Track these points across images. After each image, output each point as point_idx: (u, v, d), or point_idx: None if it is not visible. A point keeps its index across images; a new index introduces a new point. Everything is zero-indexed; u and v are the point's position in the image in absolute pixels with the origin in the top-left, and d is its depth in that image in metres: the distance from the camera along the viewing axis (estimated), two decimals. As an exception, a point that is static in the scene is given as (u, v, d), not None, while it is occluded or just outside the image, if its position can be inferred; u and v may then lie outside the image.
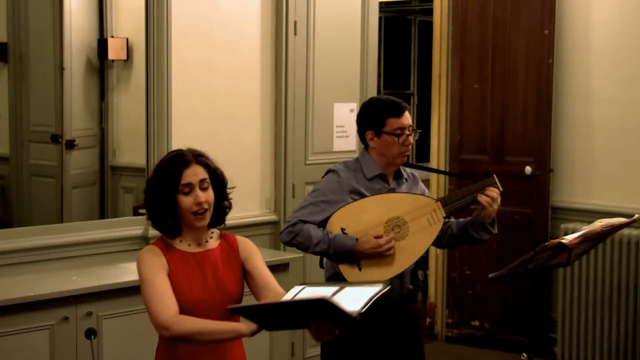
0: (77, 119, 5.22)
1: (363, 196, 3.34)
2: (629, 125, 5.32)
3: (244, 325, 2.59)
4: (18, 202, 5.09)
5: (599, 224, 3.45)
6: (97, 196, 5.26)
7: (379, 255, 3.26)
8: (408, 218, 3.31)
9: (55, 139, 5.08)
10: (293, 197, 5.06)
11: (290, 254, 4.60)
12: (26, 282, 3.72)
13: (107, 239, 4.33)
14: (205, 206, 2.69)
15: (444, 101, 5.97)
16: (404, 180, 3.48)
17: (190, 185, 2.68)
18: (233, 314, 2.70)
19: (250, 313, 2.52)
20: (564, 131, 5.57)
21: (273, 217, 5.02)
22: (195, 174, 2.69)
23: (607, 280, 5.16)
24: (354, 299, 2.52)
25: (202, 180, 2.70)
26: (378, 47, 5.53)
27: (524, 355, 3.47)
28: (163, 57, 4.46)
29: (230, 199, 2.83)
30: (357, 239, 3.26)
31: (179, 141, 4.54)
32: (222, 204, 2.79)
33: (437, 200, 3.36)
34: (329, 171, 3.43)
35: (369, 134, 3.39)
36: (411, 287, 3.54)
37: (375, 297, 2.55)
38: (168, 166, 2.70)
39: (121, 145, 5.27)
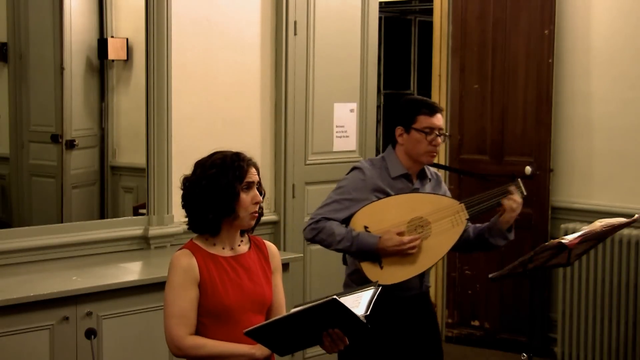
0: (77, 119, 5.21)
1: (387, 195, 3.34)
2: (629, 125, 5.31)
3: (257, 349, 2.64)
4: (18, 202, 5.09)
5: (599, 224, 3.44)
6: (97, 196, 5.25)
7: (401, 254, 3.26)
8: (431, 219, 3.30)
9: (55, 139, 5.08)
10: (293, 197, 5.06)
11: (290, 254, 4.60)
12: (26, 282, 3.71)
13: (107, 239, 4.33)
14: (259, 209, 2.75)
15: (444, 101, 5.96)
16: (428, 180, 3.47)
17: (251, 184, 2.73)
18: (267, 314, 2.79)
19: (264, 335, 2.52)
20: (564, 131, 5.57)
21: (273, 217, 5.01)
22: (254, 174, 2.75)
23: (607, 280, 5.16)
24: (353, 306, 2.53)
25: (259, 183, 2.76)
26: (378, 47, 5.53)
27: (524, 355, 3.47)
28: (163, 57, 4.46)
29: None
30: (379, 237, 3.26)
31: (179, 141, 4.55)
32: None
33: (461, 202, 3.34)
34: (354, 168, 3.43)
35: (398, 130, 3.39)
36: (429, 284, 3.56)
37: (374, 299, 2.56)
38: (233, 160, 2.73)
39: (121, 145, 5.26)
